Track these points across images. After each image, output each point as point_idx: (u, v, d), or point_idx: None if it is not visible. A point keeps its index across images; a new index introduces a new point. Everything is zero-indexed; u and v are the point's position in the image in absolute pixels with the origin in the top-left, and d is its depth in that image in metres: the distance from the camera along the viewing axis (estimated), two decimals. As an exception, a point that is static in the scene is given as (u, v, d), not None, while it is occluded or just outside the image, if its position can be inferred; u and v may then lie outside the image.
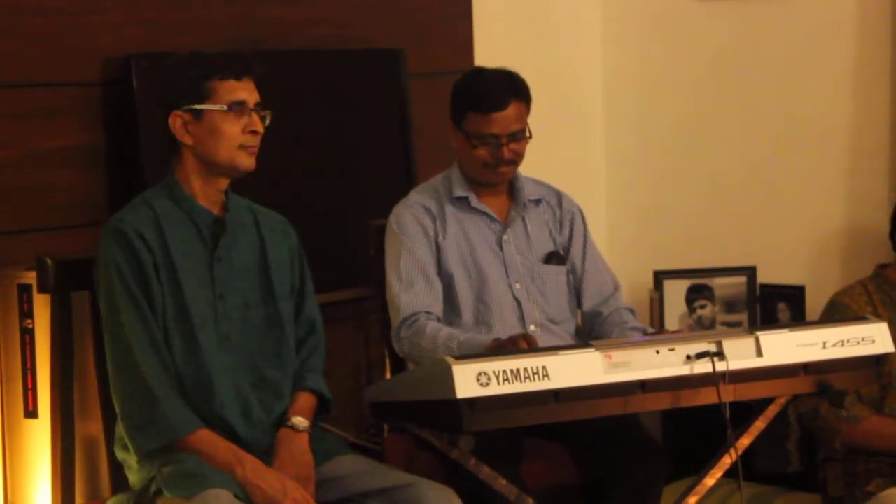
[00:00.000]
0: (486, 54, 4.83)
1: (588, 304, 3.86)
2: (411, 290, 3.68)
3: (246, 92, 3.20)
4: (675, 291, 5.06)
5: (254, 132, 3.20)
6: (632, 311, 3.86)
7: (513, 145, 3.72)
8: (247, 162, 3.22)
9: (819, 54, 4.93)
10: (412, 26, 4.75)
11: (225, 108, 3.17)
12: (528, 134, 3.74)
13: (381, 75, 4.57)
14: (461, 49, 4.89)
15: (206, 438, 3.12)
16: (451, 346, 3.54)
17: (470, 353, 3.44)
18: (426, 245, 3.74)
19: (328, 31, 4.51)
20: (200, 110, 3.16)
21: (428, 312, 3.67)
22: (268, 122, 3.23)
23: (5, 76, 3.80)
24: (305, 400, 3.31)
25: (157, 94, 3.23)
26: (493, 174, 3.75)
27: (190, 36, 4.16)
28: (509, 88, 3.72)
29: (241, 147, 3.19)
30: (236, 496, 3.02)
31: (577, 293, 3.88)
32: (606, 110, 5.40)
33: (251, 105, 3.20)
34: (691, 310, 5.06)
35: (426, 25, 4.80)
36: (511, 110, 3.70)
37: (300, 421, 3.24)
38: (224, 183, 3.26)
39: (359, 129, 4.50)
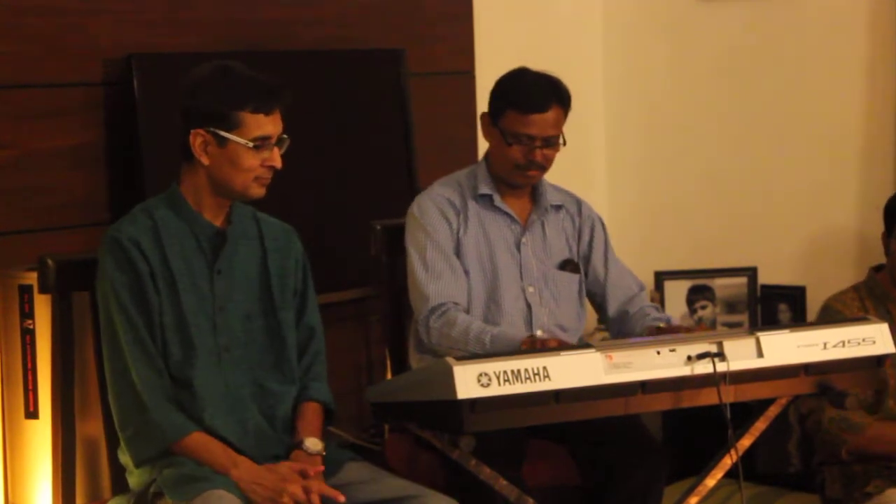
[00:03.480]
0: (486, 54, 4.83)
1: (613, 307, 3.84)
2: (440, 281, 3.67)
3: (272, 126, 3.17)
4: (676, 292, 5.07)
5: (271, 167, 3.19)
6: (657, 307, 3.85)
7: (546, 150, 3.70)
8: (258, 193, 3.21)
9: (821, 55, 4.93)
10: (412, 26, 4.75)
11: (250, 144, 3.14)
12: (562, 141, 3.73)
13: (381, 75, 4.57)
14: (461, 49, 4.89)
15: (199, 442, 3.12)
16: (484, 339, 3.53)
17: (501, 350, 3.45)
18: (450, 237, 3.73)
19: (328, 31, 4.51)
20: (225, 138, 3.14)
21: (455, 303, 3.67)
22: (284, 148, 3.22)
23: (6, 77, 3.80)
24: (314, 414, 3.29)
25: (182, 102, 3.17)
26: (522, 176, 3.74)
27: (190, 36, 4.16)
28: (553, 92, 3.71)
29: (256, 179, 3.18)
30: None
31: (600, 300, 3.87)
32: (607, 111, 5.40)
33: (274, 140, 3.18)
34: (692, 310, 5.06)
35: (426, 25, 4.80)
36: (551, 114, 3.69)
37: (313, 443, 3.21)
38: (229, 200, 3.25)
39: (359, 129, 4.50)
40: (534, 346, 3.38)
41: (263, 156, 3.16)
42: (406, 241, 3.76)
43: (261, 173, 3.18)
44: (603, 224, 3.92)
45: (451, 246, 3.73)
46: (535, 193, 3.84)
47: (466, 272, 3.73)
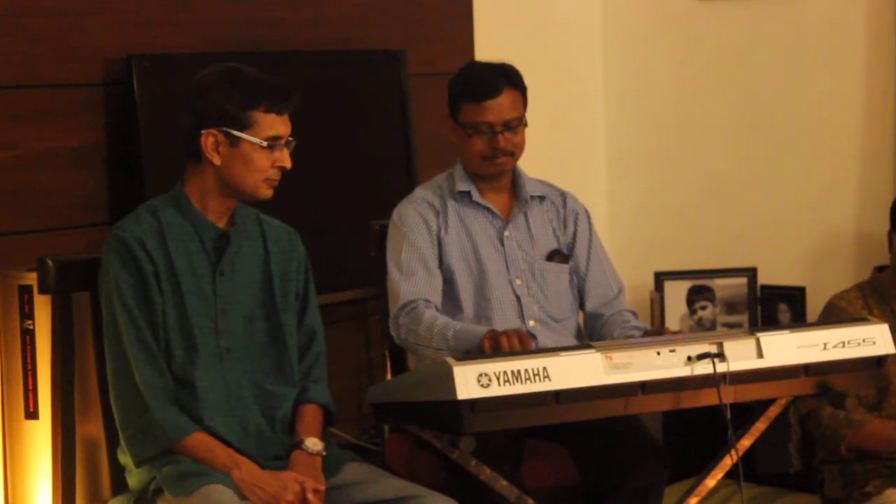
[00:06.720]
0: (486, 54, 4.81)
1: (590, 304, 3.86)
2: (411, 279, 3.69)
3: (283, 126, 3.19)
4: (676, 292, 5.07)
5: (280, 168, 3.20)
6: (634, 312, 3.86)
7: (508, 134, 3.71)
8: (267, 193, 3.23)
9: (820, 55, 4.93)
10: (412, 26, 4.76)
11: (264, 143, 3.16)
12: (524, 122, 3.74)
13: (381, 75, 4.57)
14: (461, 49, 4.89)
15: (201, 442, 3.12)
16: (447, 335, 3.54)
17: (463, 345, 3.48)
18: (427, 238, 3.74)
19: (328, 31, 4.51)
20: (238, 137, 3.15)
21: (426, 300, 3.67)
22: (291, 148, 3.23)
23: (7, 77, 3.81)
24: (313, 415, 3.29)
25: (191, 103, 3.17)
26: (492, 165, 3.75)
27: (190, 36, 4.16)
28: (503, 76, 3.72)
29: (266, 180, 3.20)
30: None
31: (580, 293, 3.88)
32: (607, 110, 5.40)
33: (284, 140, 3.20)
34: (692, 311, 5.06)
35: (426, 25, 4.81)
36: (504, 98, 3.70)
37: (313, 443, 3.21)
38: (235, 201, 3.26)
39: (359, 129, 4.50)
40: (495, 341, 3.39)
41: (275, 156, 3.18)
42: (387, 247, 3.78)
43: (271, 174, 3.20)
44: (589, 217, 3.92)
45: (431, 247, 3.74)
46: (514, 186, 3.84)
47: (452, 271, 3.74)
